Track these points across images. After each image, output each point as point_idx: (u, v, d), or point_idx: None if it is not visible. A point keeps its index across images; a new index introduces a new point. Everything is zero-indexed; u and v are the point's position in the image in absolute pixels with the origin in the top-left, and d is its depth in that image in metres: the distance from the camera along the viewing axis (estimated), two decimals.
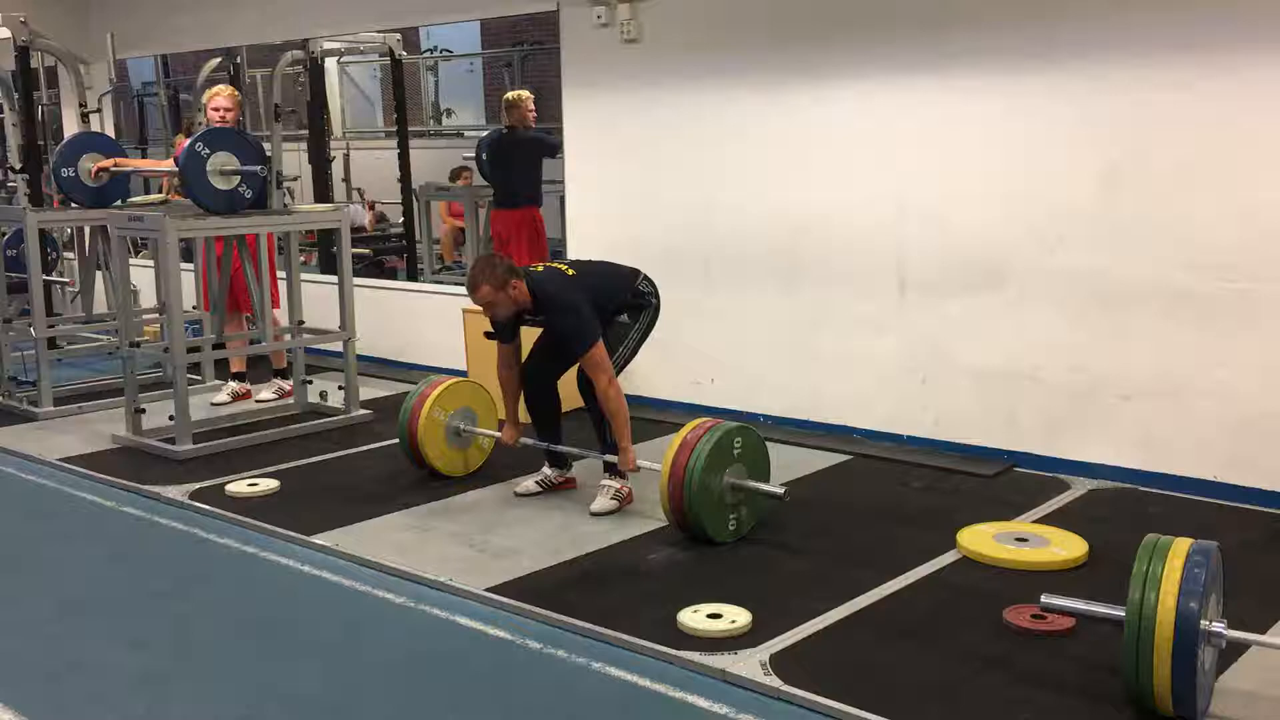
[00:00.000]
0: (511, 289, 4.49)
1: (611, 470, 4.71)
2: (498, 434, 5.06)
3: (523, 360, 4.85)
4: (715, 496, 4.23)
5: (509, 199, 7.88)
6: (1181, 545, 2.89)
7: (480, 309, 4.61)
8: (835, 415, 5.75)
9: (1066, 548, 4.08)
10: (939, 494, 4.90)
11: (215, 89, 6.32)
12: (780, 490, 4.31)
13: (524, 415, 4.93)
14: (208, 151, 5.72)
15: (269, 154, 5.92)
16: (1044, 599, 3.17)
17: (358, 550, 4.31)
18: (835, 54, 5.49)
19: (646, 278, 4.82)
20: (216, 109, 6.13)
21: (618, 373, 4.60)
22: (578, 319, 4.49)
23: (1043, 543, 4.14)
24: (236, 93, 6.42)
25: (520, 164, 7.84)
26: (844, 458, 5.41)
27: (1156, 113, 4.66)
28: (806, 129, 5.64)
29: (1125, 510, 4.61)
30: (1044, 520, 4.47)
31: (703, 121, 5.97)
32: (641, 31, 6.11)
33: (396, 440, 5.87)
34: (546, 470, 4.96)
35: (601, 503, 4.65)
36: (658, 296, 4.82)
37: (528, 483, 4.94)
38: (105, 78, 8.63)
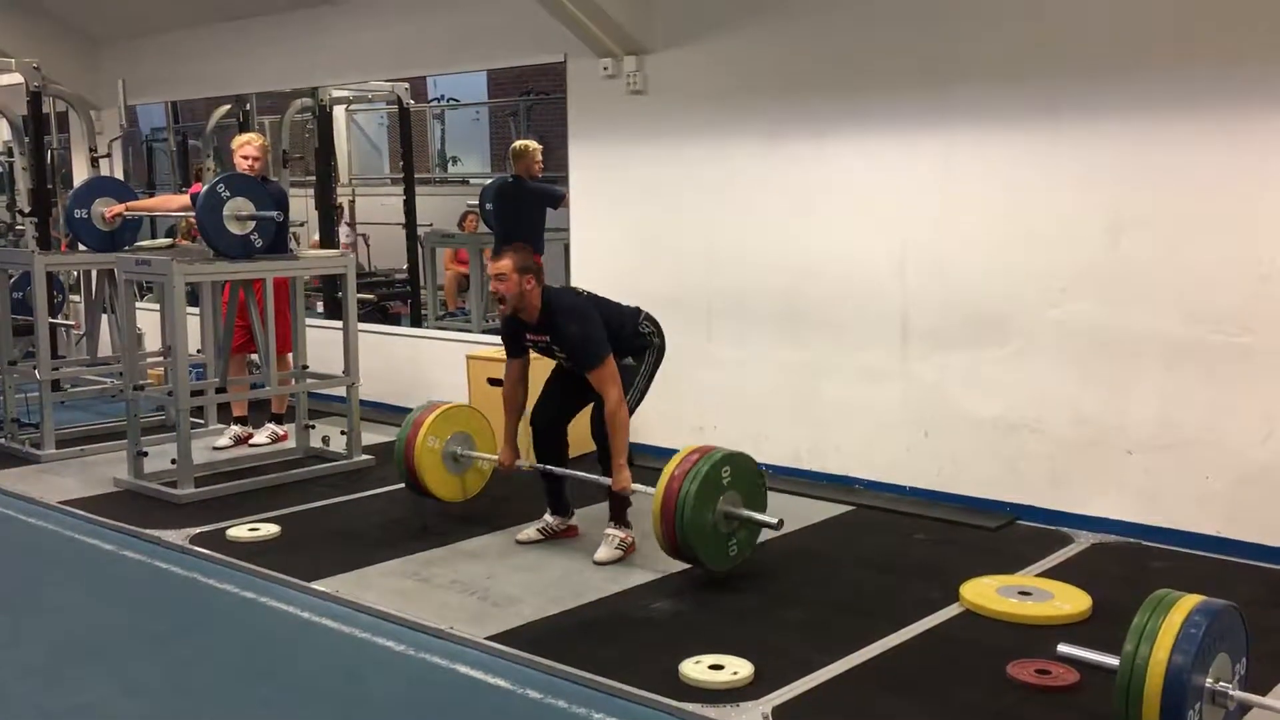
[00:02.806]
0: (527, 282, 4.55)
1: (616, 519, 4.70)
2: (495, 457, 5.05)
3: (530, 400, 4.85)
4: (709, 528, 4.21)
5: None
6: (1187, 601, 2.87)
7: (496, 284, 4.57)
8: (837, 465, 5.75)
9: (1070, 602, 4.07)
10: (942, 546, 4.89)
11: (246, 137, 6.39)
12: (774, 521, 4.28)
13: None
14: (227, 194, 5.77)
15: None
16: (1061, 648, 3.15)
17: (358, 597, 4.29)
18: (837, 107, 5.55)
19: (649, 317, 4.84)
20: (246, 156, 6.19)
21: (633, 403, 4.63)
22: (590, 328, 4.51)
23: (1046, 597, 4.12)
24: (267, 143, 6.49)
25: (525, 213, 7.89)
26: (846, 508, 5.40)
27: (1158, 167, 4.70)
28: (809, 179, 5.69)
29: (1128, 565, 4.60)
30: (1047, 574, 4.45)
31: (707, 172, 6.03)
32: (647, 83, 6.19)
33: (399, 486, 5.86)
34: (548, 518, 4.95)
35: (605, 552, 4.64)
36: (661, 336, 4.83)
37: (529, 530, 4.93)
38: (116, 123, 8.72)
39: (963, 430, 5.33)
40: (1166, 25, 4.64)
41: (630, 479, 4.55)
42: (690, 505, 4.14)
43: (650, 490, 4.32)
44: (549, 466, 4.83)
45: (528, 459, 4.95)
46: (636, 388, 4.72)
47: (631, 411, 4.65)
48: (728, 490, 4.27)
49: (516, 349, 4.81)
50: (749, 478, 4.38)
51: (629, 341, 4.73)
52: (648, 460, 5.91)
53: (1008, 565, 4.52)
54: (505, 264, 4.54)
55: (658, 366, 4.83)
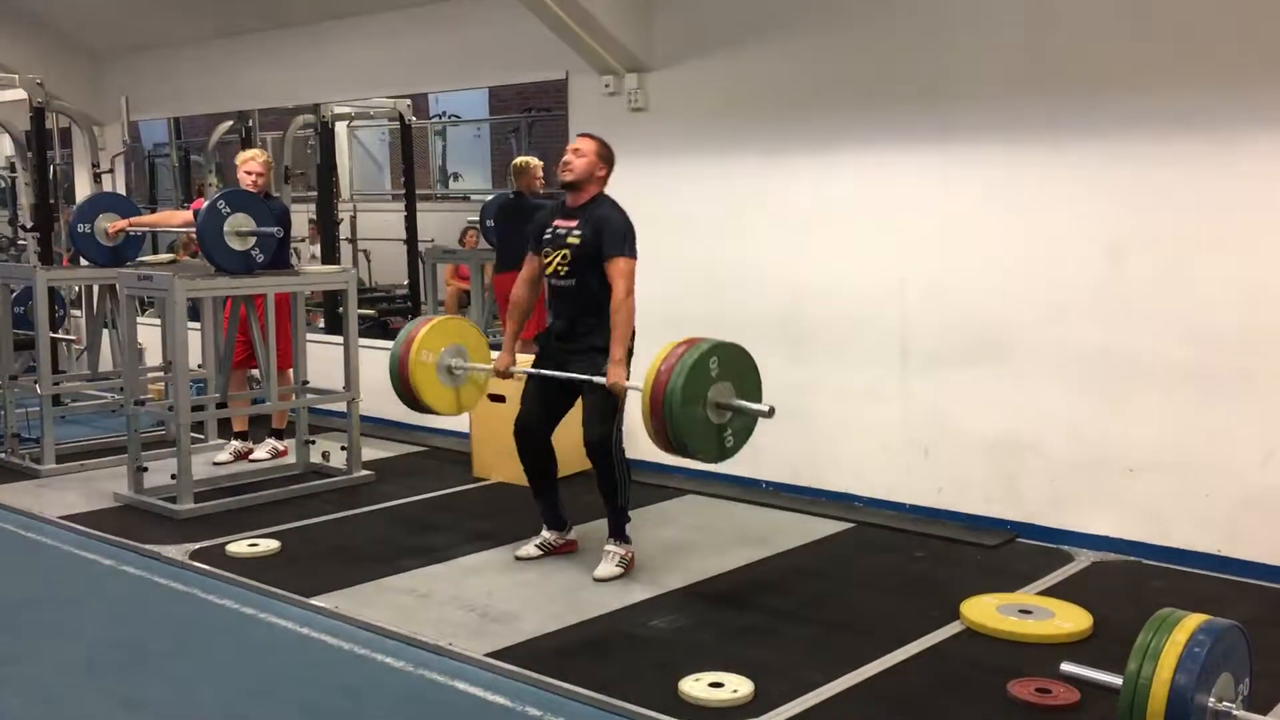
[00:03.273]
0: (600, 169, 4.59)
1: (615, 535, 4.69)
2: (489, 367, 5.00)
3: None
4: (701, 421, 4.13)
5: (513, 262, 7.92)
6: (1191, 621, 2.87)
7: (570, 155, 4.59)
8: (838, 483, 5.75)
9: (1071, 621, 4.06)
10: (941, 564, 4.88)
11: (250, 153, 6.42)
12: (766, 408, 4.18)
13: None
14: (228, 210, 5.79)
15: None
16: (1065, 667, 3.14)
17: (357, 613, 4.28)
18: (837, 125, 5.57)
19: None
20: (250, 172, 6.21)
21: (619, 435, 4.56)
22: (631, 230, 4.49)
23: (1047, 615, 4.12)
24: (270, 160, 6.52)
25: (526, 229, 7.90)
26: (846, 526, 5.39)
27: (1158, 188, 4.71)
28: (809, 197, 5.71)
29: (1129, 583, 4.59)
30: (1048, 592, 4.45)
31: (706, 189, 6.05)
32: (648, 100, 6.21)
33: (400, 501, 5.88)
34: (546, 534, 4.94)
35: (606, 569, 4.63)
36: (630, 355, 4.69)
37: (528, 547, 4.92)
38: (119, 139, 8.76)
39: (963, 448, 5.33)
40: (1167, 46, 4.66)
41: (626, 377, 4.43)
42: (679, 400, 4.02)
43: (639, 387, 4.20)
44: (539, 483, 4.79)
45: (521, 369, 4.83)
46: (617, 422, 4.55)
47: (619, 444, 4.54)
48: (717, 381, 4.15)
49: (538, 245, 4.73)
50: (739, 367, 4.25)
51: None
52: (649, 477, 5.92)
53: (1008, 584, 4.52)
54: (591, 143, 4.60)
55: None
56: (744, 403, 4.21)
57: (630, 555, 4.68)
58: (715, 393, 4.16)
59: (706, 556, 4.91)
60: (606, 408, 4.50)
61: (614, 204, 4.61)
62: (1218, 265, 4.60)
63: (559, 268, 4.61)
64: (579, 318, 4.62)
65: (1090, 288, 4.91)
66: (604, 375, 4.46)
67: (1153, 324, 4.76)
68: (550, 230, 4.67)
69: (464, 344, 5.10)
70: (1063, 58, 4.90)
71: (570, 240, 4.57)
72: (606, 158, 4.65)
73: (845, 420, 5.68)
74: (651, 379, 4.11)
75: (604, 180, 4.65)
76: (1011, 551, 5.02)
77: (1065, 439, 5.04)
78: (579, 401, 4.66)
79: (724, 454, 4.27)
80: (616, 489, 4.59)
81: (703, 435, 4.17)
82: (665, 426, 4.10)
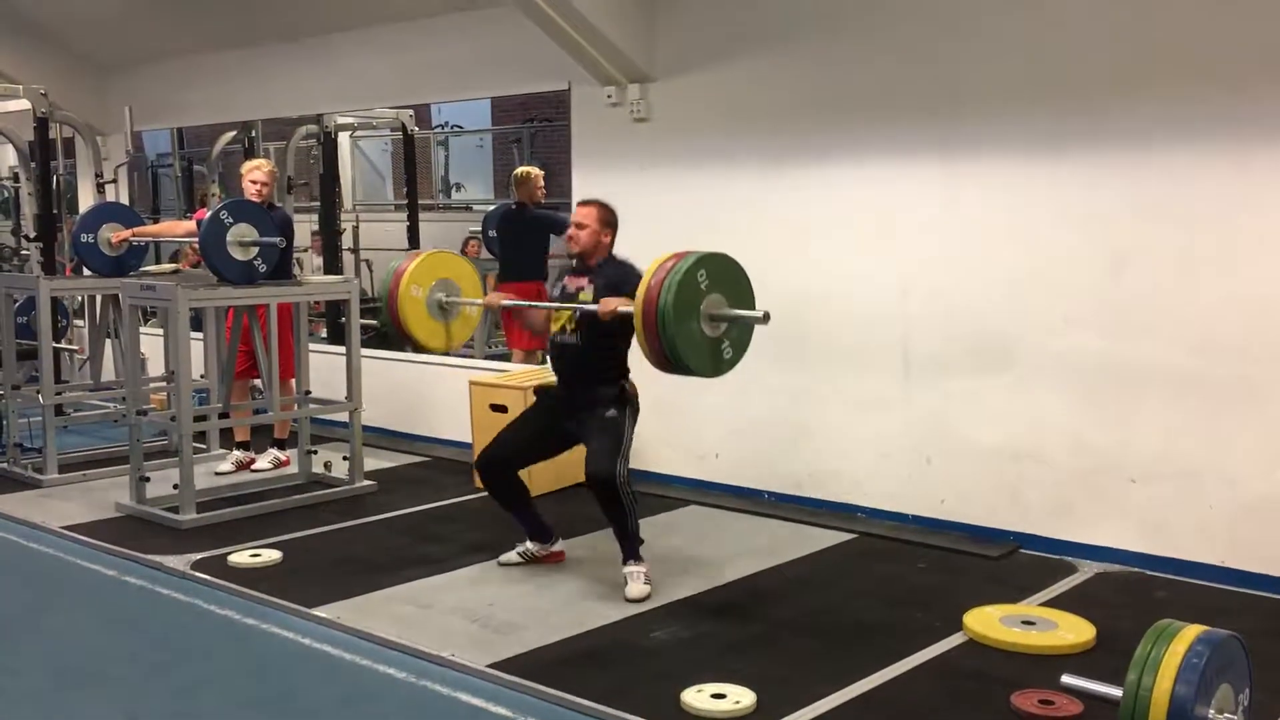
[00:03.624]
0: (605, 235, 4.62)
1: (631, 557, 4.59)
2: (480, 302, 5.00)
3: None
4: (697, 336, 4.10)
5: (515, 272, 7.96)
6: (1189, 632, 2.87)
7: (575, 230, 4.63)
8: (839, 493, 5.74)
9: (1074, 632, 4.05)
10: (944, 574, 4.88)
11: (256, 162, 6.44)
12: (760, 314, 4.16)
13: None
14: (230, 221, 5.80)
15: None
16: (1065, 679, 3.14)
17: (360, 623, 4.28)
18: (839, 135, 5.58)
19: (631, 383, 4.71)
20: (255, 181, 6.22)
21: (625, 465, 4.52)
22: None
23: (1050, 626, 4.11)
24: (275, 170, 6.53)
25: (528, 239, 7.93)
26: (848, 536, 5.39)
27: (1160, 198, 4.72)
28: (811, 207, 5.71)
29: (1132, 594, 4.58)
30: (1051, 603, 4.44)
31: (709, 198, 6.05)
32: (651, 111, 6.22)
33: (402, 511, 5.87)
34: (529, 544, 4.93)
35: (636, 588, 4.51)
36: (638, 400, 4.68)
37: (510, 554, 4.94)
38: (122, 149, 8.78)
39: (965, 458, 5.32)
40: (1167, 57, 4.67)
41: (634, 414, 4.51)
42: (671, 318, 3.99)
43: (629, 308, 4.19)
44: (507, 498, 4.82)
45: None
46: (624, 448, 4.54)
47: (625, 476, 4.49)
48: (709, 294, 4.11)
49: (540, 323, 4.82)
50: (728, 276, 4.21)
51: (618, 378, 4.62)
52: (651, 488, 5.92)
53: (1011, 594, 4.51)
54: (592, 212, 4.62)
55: (634, 427, 4.65)
56: (739, 312, 4.17)
57: (648, 569, 4.61)
58: (708, 305, 4.12)
59: (708, 567, 4.90)
60: (614, 445, 4.49)
61: (625, 260, 4.62)
62: (1220, 275, 4.60)
63: (566, 324, 4.65)
64: (582, 376, 4.63)
65: (1092, 297, 4.91)
66: (612, 414, 4.52)
67: (1155, 334, 4.76)
68: (560, 287, 4.71)
69: (453, 277, 5.12)
70: (1064, 68, 4.91)
71: (581, 298, 4.60)
72: (610, 222, 4.66)
73: (847, 430, 5.68)
74: (642, 296, 4.07)
75: (610, 244, 4.67)
76: (1014, 562, 5.02)
77: (1068, 449, 5.03)
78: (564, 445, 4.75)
79: (721, 368, 4.24)
80: (625, 519, 4.54)
81: (699, 351, 4.14)
82: (661, 345, 4.06)
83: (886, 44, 5.39)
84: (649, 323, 4.05)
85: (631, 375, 4.65)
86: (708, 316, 4.12)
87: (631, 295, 4.29)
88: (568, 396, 4.68)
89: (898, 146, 5.39)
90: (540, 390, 4.88)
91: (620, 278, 4.50)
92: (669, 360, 4.12)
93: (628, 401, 4.63)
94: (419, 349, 5.14)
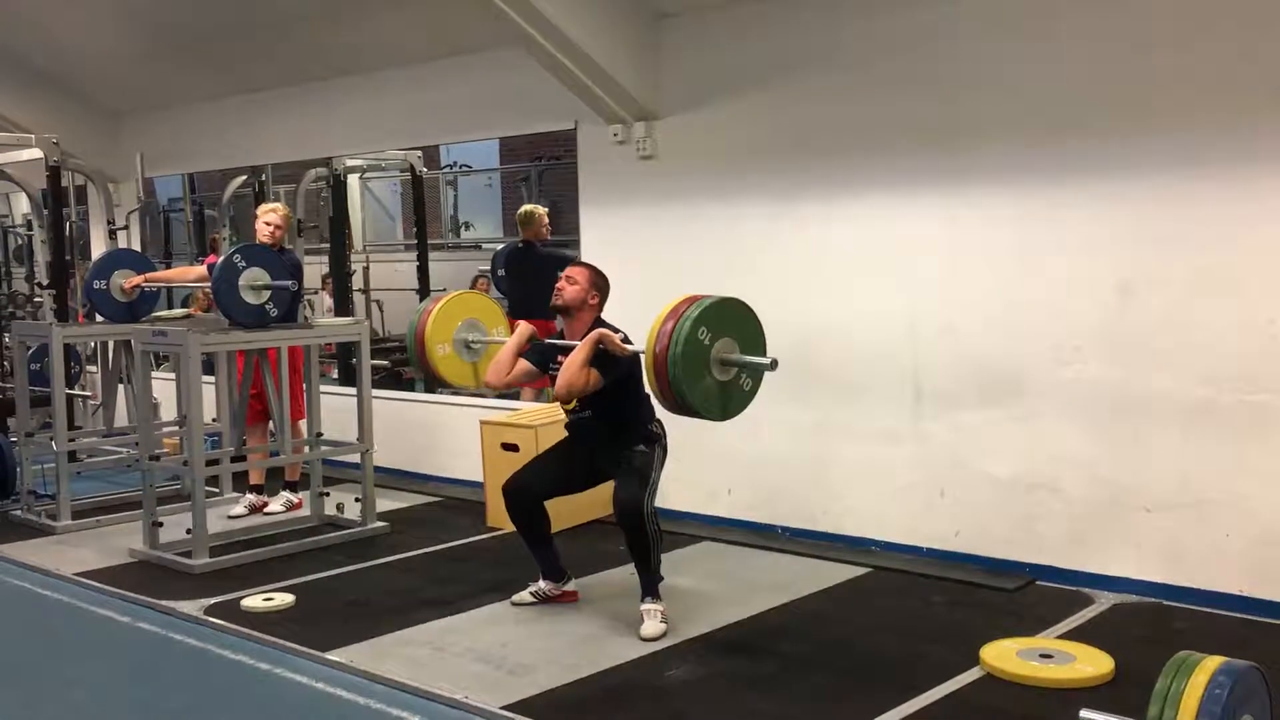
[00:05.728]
0: (593, 297, 4.65)
1: (650, 595, 4.58)
2: (505, 339, 5.00)
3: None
4: (714, 388, 4.14)
5: (524, 310, 7.97)
6: (1210, 663, 2.84)
7: (563, 283, 4.68)
8: (853, 527, 5.71)
9: (1092, 664, 4.01)
10: (960, 608, 4.84)
11: (270, 205, 6.49)
12: (768, 361, 4.17)
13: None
14: (244, 265, 5.84)
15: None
16: (1084, 714, 3.10)
17: (373, 667, 4.26)
18: (845, 170, 5.60)
19: (658, 420, 4.72)
20: (269, 223, 6.26)
21: (653, 499, 4.53)
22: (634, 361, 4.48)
23: (1068, 659, 4.07)
24: (289, 213, 6.59)
25: (536, 277, 7.94)
26: (862, 570, 5.35)
27: (1165, 227, 4.72)
28: (817, 241, 5.73)
29: (1151, 626, 4.54)
30: (1068, 636, 4.40)
31: (716, 234, 6.07)
32: (657, 148, 6.26)
33: (414, 553, 5.85)
34: (542, 583, 4.91)
35: (652, 627, 4.49)
36: (666, 438, 4.72)
37: (523, 594, 4.93)
38: (134, 195, 8.84)
39: (979, 490, 5.30)
40: (1169, 87, 4.68)
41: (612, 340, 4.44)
42: (684, 379, 4.02)
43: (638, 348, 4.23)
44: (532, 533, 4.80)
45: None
46: (653, 482, 4.56)
47: (652, 510, 4.50)
48: (714, 345, 4.12)
49: (537, 361, 4.76)
50: (734, 318, 4.22)
51: (644, 425, 4.66)
52: (664, 524, 5.89)
53: (1028, 627, 4.47)
54: (584, 272, 4.67)
55: (663, 465, 4.68)
56: (748, 358, 4.21)
57: (664, 608, 4.59)
58: (718, 350, 4.15)
59: (723, 604, 4.88)
60: (643, 478, 4.50)
61: (607, 324, 4.61)
62: (1229, 302, 4.59)
63: (574, 403, 4.67)
64: (602, 438, 4.66)
65: (1102, 327, 4.90)
66: (641, 449, 4.55)
67: (1166, 362, 4.74)
68: (555, 366, 4.67)
69: (474, 315, 5.18)
70: (1069, 100, 4.92)
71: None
72: (600, 286, 4.68)
73: (859, 464, 5.66)
74: (651, 364, 4.08)
75: (597, 308, 4.68)
76: (1031, 594, 4.98)
77: (1082, 479, 5.00)
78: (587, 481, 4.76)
79: (731, 411, 4.27)
80: (649, 553, 4.52)
81: (721, 398, 4.20)
82: (674, 397, 4.09)
83: (890, 79, 5.41)
84: (661, 380, 4.09)
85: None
86: (719, 362, 4.16)
87: (612, 371, 4.41)
88: (594, 452, 4.71)
89: (904, 180, 5.41)
90: (571, 425, 4.88)
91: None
92: (682, 408, 4.16)
93: (656, 440, 4.66)
94: (441, 385, 5.23)
